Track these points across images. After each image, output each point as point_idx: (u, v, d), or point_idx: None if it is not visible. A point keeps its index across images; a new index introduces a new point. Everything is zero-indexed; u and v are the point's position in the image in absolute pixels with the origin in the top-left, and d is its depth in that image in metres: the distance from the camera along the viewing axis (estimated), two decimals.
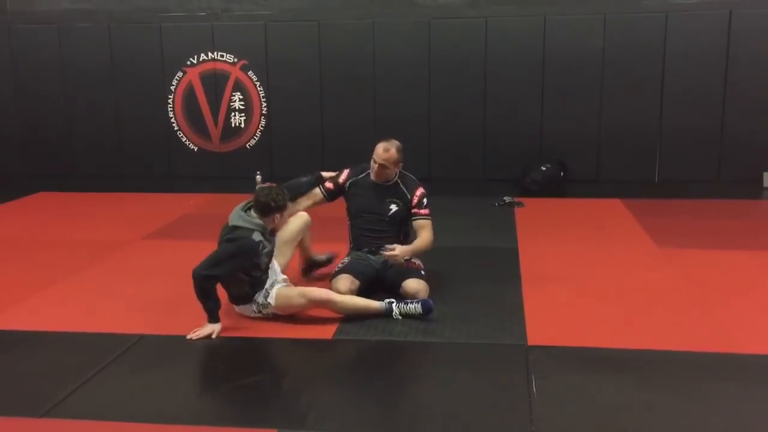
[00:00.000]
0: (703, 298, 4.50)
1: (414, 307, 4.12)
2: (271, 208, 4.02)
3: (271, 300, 4.09)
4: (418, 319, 4.10)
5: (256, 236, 3.99)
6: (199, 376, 3.57)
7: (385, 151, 4.48)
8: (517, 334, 3.93)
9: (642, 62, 7.92)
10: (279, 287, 4.14)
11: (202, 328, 3.96)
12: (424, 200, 4.55)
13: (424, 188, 4.61)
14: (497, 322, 4.10)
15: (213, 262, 3.92)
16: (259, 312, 4.13)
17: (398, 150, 4.51)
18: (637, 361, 3.61)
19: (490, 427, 3.04)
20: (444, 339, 3.90)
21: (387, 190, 4.57)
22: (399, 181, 4.59)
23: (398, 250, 4.33)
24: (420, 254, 4.53)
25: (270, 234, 4.13)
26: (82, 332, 4.06)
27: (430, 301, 4.15)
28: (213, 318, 3.96)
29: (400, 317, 4.11)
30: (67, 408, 3.21)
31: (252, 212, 4.09)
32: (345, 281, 4.35)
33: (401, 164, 4.58)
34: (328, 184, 4.69)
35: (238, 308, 4.19)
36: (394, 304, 4.14)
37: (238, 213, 4.11)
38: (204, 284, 3.89)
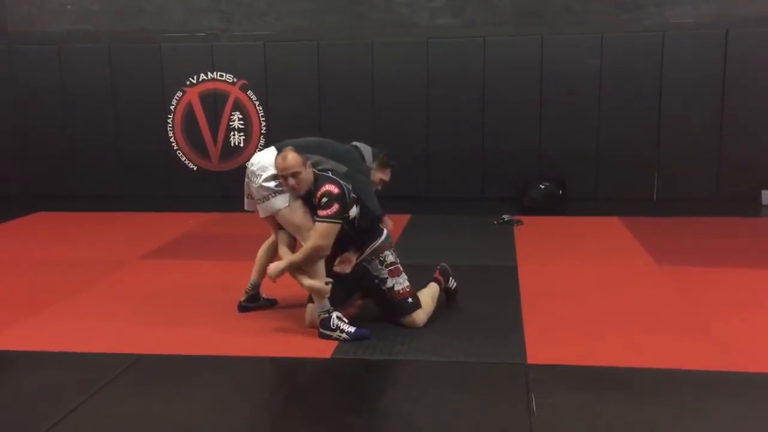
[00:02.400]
0: (702, 315, 4.48)
1: (346, 330, 4.07)
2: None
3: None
4: (413, 337, 4.10)
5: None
6: (196, 395, 3.55)
7: (283, 159, 4.02)
8: (517, 353, 3.91)
9: (639, 81, 7.97)
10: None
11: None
12: (323, 199, 3.97)
13: (334, 185, 4.00)
14: (497, 341, 4.08)
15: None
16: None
17: (293, 151, 4.04)
18: (637, 379, 3.59)
19: None
20: (443, 358, 3.88)
21: (310, 201, 4.12)
22: (313, 187, 4.09)
23: (271, 267, 4.12)
24: (299, 266, 4.06)
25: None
26: (80, 352, 4.04)
27: (363, 332, 4.08)
28: None
29: (332, 329, 4.07)
30: (65, 429, 3.18)
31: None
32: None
33: (309, 161, 4.09)
34: None
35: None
36: (335, 314, 4.09)
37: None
38: None
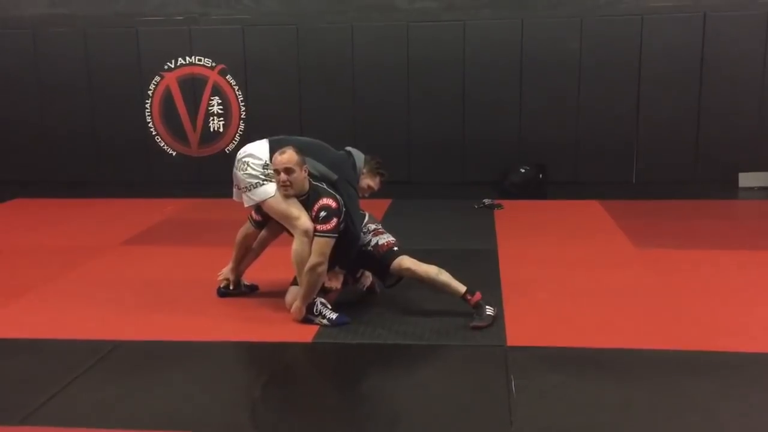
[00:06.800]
0: (679, 297, 4.54)
1: (328, 316, 4.09)
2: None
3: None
4: (394, 321, 4.13)
5: None
6: (175, 381, 3.54)
7: (281, 154, 4.00)
8: (497, 335, 3.94)
9: (618, 65, 8.00)
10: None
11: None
12: (321, 213, 3.99)
13: (332, 199, 4.03)
14: None
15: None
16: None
17: (296, 150, 4.03)
18: (615, 360, 3.64)
19: (470, 428, 3.04)
20: (423, 341, 3.90)
21: (304, 205, 4.11)
22: (309, 195, 4.09)
23: (294, 312, 4.15)
24: (312, 291, 4.06)
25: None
26: (59, 339, 4.02)
27: (345, 319, 4.10)
28: None
29: (314, 314, 4.11)
30: (44, 416, 3.17)
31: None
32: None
33: (306, 167, 4.08)
34: None
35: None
36: (318, 300, 4.12)
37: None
38: None
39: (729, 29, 7.82)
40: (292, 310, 4.15)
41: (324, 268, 4.04)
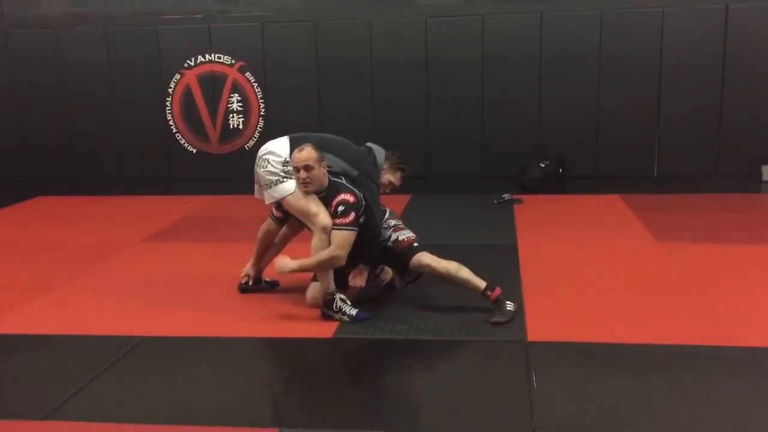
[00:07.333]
0: (702, 292, 4.50)
1: (348, 312, 4.10)
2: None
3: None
4: (414, 317, 4.13)
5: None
6: (199, 376, 3.57)
7: (300, 151, 4.04)
8: (517, 331, 3.94)
9: (639, 58, 7.93)
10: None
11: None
12: (340, 208, 4.01)
13: (350, 194, 4.05)
14: None
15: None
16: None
17: (314, 147, 4.06)
18: (636, 355, 3.62)
19: (492, 423, 3.04)
20: (444, 336, 3.90)
21: (324, 201, 4.13)
22: (328, 191, 4.11)
23: (279, 262, 4.10)
24: (310, 270, 4.15)
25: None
26: (83, 335, 4.07)
27: (365, 315, 4.10)
28: None
29: (334, 311, 4.11)
30: (70, 410, 3.22)
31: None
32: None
33: (325, 163, 4.11)
34: None
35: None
36: (338, 296, 4.13)
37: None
38: None
39: (751, 20, 7.72)
40: (275, 261, 4.15)
41: (342, 262, 4.06)
